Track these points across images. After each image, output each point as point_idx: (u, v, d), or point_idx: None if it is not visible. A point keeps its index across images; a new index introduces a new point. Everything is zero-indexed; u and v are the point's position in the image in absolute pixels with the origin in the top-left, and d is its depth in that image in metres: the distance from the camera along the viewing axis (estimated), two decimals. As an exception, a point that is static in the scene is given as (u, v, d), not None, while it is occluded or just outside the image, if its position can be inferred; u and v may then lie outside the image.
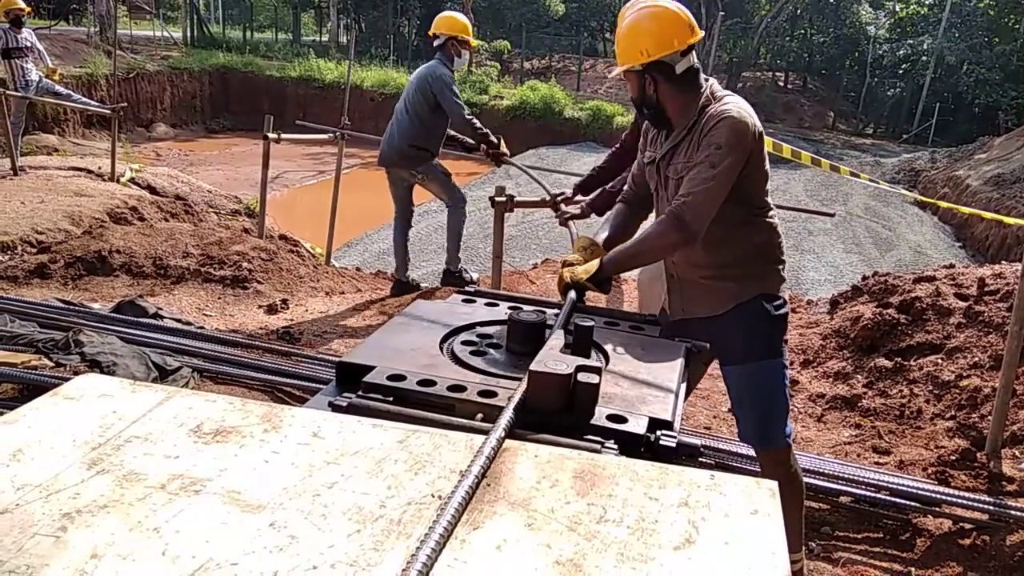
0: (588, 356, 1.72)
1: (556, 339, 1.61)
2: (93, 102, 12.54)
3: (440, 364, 1.62)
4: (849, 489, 2.89)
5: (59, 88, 10.00)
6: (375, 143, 5.64)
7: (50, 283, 4.89)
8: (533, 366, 1.41)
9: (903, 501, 2.83)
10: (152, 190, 8.83)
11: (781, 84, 28.80)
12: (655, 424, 1.44)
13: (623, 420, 1.41)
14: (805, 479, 2.94)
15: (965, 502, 2.80)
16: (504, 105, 21.17)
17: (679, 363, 1.75)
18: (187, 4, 26.69)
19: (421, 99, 5.14)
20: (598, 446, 1.32)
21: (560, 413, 1.40)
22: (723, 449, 3.13)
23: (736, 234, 2.23)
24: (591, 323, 1.73)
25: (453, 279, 5.51)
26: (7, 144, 8.61)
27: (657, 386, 1.61)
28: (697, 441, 1.40)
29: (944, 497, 2.82)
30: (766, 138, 5.61)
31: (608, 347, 1.80)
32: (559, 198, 3.38)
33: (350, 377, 1.58)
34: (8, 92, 8.66)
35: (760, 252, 2.28)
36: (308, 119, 13.64)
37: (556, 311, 1.96)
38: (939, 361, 3.78)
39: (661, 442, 1.38)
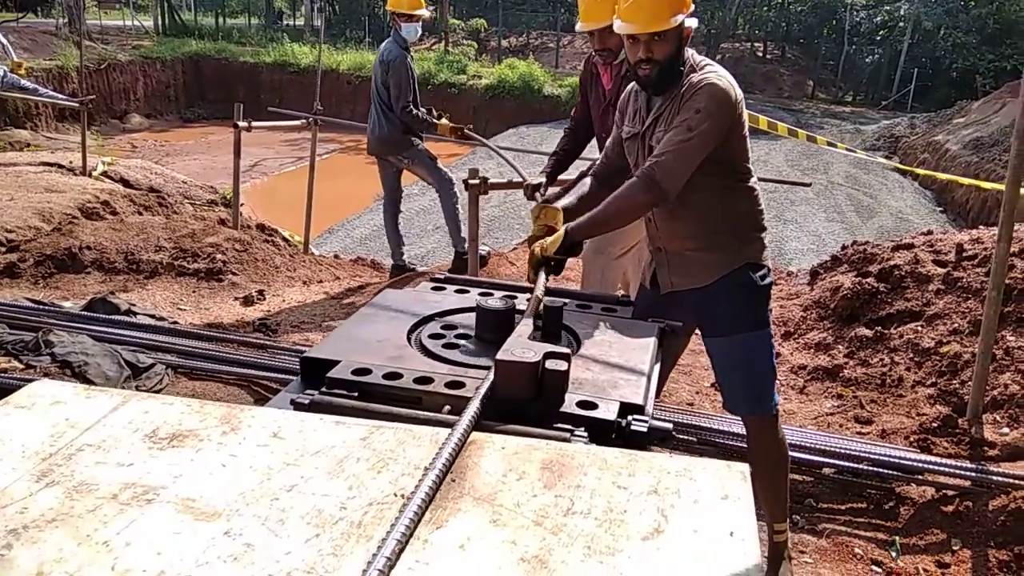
0: (558, 341, 1.71)
1: (525, 326, 1.59)
2: (61, 96, 12.30)
3: (407, 356, 1.60)
4: (832, 461, 2.91)
5: (25, 82, 9.80)
6: (350, 128, 5.61)
7: (20, 282, 4.81)
8: (500, 355, 1.39)
9: (886, 471, 2.85)
10: (126, 183, 8.69)
11: (760, 54, 28.74)
12: (626, 409, 1.42)
13: (593, 406, 1.40)
14: (789, 453, 2.96)
15: (948, 469, 2.82)
16: (482, 84, 21.02)
17: (651, 344, 1.73)
18: (159, -9, 26.25)
19: (387, 81, 5.11)
20: (567, 435, 1.30)
21: (529, 402, 1.38)
22: (705, 427, 3.13)
23: (720, 203, 2.23)
24: (561, 304, 1.71)
25: (463, 262, 5.49)
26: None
27: (629, 369, 1.59)
28: (668, 424, 1.39)
29: (927, 465, 2.84)
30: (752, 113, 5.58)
31: (580, 330, 1.78)
32: (536, 191, 3.32)
33: (316, 372, 1.55)
34: (-28, 89, 8.48)
35: (744, 220, 2.29)
36: (284, 105, 13.49)
37: (528, 295, 1.94)
38: (919, 328, 3.80)
39: (632, 427, 1.37)
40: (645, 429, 1.36)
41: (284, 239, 8.10)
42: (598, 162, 2.52)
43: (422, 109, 5.20)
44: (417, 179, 6.06)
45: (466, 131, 5.27)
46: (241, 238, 5.64)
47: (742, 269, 2.25)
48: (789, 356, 4.11)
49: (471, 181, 3.78)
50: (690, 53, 2.22)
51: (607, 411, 1.38)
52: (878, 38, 27.20)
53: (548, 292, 2.03)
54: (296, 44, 22.99)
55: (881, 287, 4.15)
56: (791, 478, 2.94)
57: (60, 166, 8.98)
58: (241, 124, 6.42)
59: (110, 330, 3.73)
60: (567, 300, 1.97)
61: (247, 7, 31.99)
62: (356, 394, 1.44)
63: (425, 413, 1.34)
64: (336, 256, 7.42)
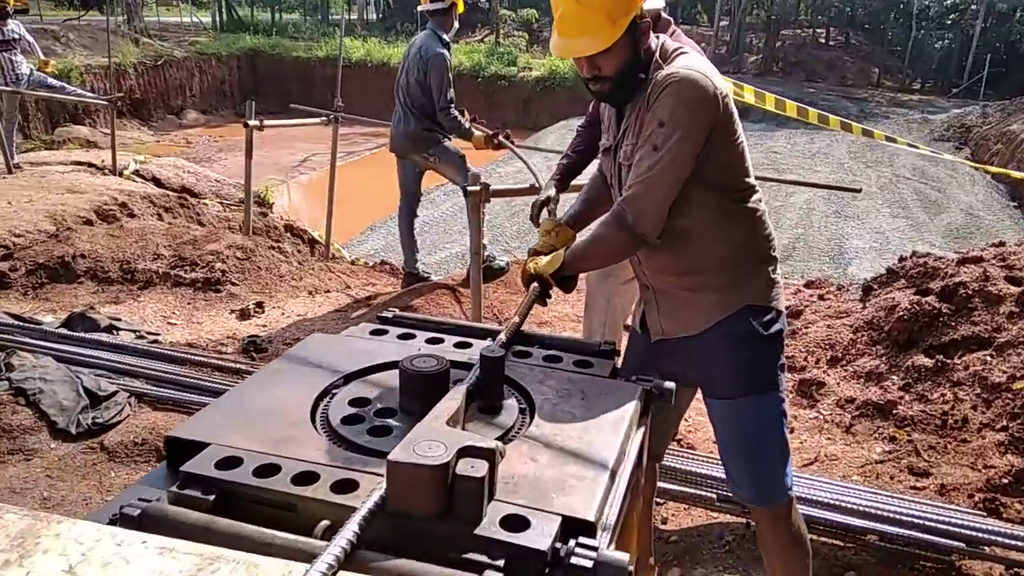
0: (496, 413, 1.35)
1: (452, 398, 1.24)
2: (89, 94, 12.37)
3: (301, 436, 1.26)
4: (880, 527, 2.48)
5: (52, 80, 9.79)
6: (376, 124, 5.36)
7: (9, 293, 4.65)
8: (393, 453, 1.04)
9: (945, 541, 2.42)
10: (157, 182, 8.62)
11: (822, 41, 27.68)
12: (571, 527, 1.07)
13: (523, 525, 1.04)
14: (826, 514, 2.55)
15: (1021, 542, 2.37)
16: (533, 76, 20.75)
17: (627, 416, 1.37)
18: (216, -12, 26.68)
19: (422, 79, 4.82)
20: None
21: (434, 519, 1.03)
22: (695, 472, 2.73)
23: (710, 230, 1.83)
24: (499, 355, 1.35)
25: (492, 272, 5.19)
26: (0, 142, 8.43)
27: (588, 459, 1.23)
28: (624, 558, 1.02)
29: (995, 536, 2.40)
30: (790, 103, 5.11)
31: (537, 394, 1.43)
32: (544, 207, 2.95)
33: (186, 456, 1.23)
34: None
35: (743, 252, 1.87)
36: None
37: (490, 343, 1.59)
38: (988, 359, 3.32)
39: (572, 560, 1.01)
40: (590, 565, 1.00)
41: (312, 240, 7.91)
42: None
43: (466, 122, 4.91)
44: (440, 181, 5.74)
45: (500, 139, 4.92)
46: (244, 245, 5.41)
47: (741, 314, 1.84)
48: (836, 386, 3.67)
49: (471, 188, 3.44)
50: (658, 42, 1.81)
51: (540, 534, 1.03)
52: (948, 22, 25.92)
53: (515, 339, 1.68)
54: (348, 38, 23.00)
55: (944, 308, 3.67)
56: (830, 543, 2.53)
57: (92, 165, 8.94)
58: (252, 123, 6.20)
59: (80, 350, 3.51)
60: (531, 350, 1.62)
61: (302, 2, 32.27)
62: (212, 497, 1.11)
63: (284, 536, 1.00)
64: (352, 262, 7.15)
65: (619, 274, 2.80)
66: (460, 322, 1.80)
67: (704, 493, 2.68)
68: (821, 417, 3.49)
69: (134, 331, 4.10)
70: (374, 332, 1.70)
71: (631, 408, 1.40)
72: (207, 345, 3.99)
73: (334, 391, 1.44)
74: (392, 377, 1.43)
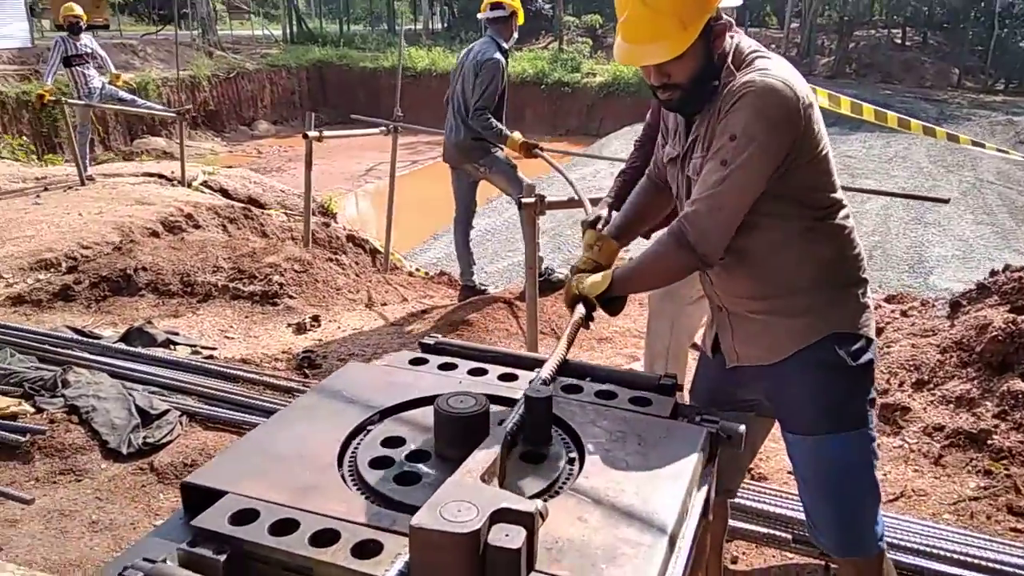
0: (540, 460, 1.21)
1: (489, 447, 1.11)
2: (158, 106, 12.76)
3: (326, 485, 1.15)
4: (974, 576, 2.24)
5: (123, 94, 10.12)
6: (437, 133, 5.31)
7: (73, 306, 4.74)
8: (417, 517, 0.92)
9: (1052, 594, 2.16)
10: (225, 193, 8.81)
11: (898, 41, 26.65)
12: (623, 606, 0.92)
13: (566, 605, 0.91)
14: (916, 560, 2.32)
15: None
16: (597, 82, 20.59)
17: (689, 468, 1.21)
18: (286, 2, 27.34)
19: (473, 84, 4.74)
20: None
21: (464, 593, 0.90)
22: (768, 511, 2.52)
23: (791, 249, 1.66)
24: (546, 396, 1.22)
25: (548, 285, 5.07)
26: (74, 154, 8.72)
27: (644, 520, 1.08)
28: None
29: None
30: (867, 106, 4.82)
31: (589, 438, 1.28)
32: (594, 227, 2.80)
33: (204, 503, 1.14)
34: (70, 100, 8.79)
35: (828, 272, 1.69)
36: (403, 108, 13.62)
37: (536, 377, 1.45)
38: (1097, 385, 3.01)
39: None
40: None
41: (374, 250, 7.92)
42: (651, 165, 2.00)
43: (499, 124, 4.80)
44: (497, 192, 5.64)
45: (538, 150, 4.80)
46: (302, 257, 5.41)
47: (826, 342, 1.65)
48: (922, 412, 3.39)
49: (526, 200, 3.31)
50: (732, 43, 1.64)
51: (585, 617, 0.89)
52: (1036, 18, 24.61)
53: (568, 367, 1.54)
54: (413, 48, 23.28)
55: (1044, 327, 3.35)
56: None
57: (162, 176, 9.19)
58: (312, 134, 6.23)
59: (136, 366, 3.52)
60: (582, 384, 1.48)
61: (371, 11, 32.84)
62: (224, 557, 1.00)
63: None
64: (411, 273, 7.11)
65: (685, 293, 2.62)
66: (506, 351, 1.67)
67: (778, 533, 2.47)
68: (907, 446, 3.22)
69: (191, 346, 4.11)
70: (413, 361, 1.58)
71: (694, 457, 1.25)
72: (261, 361, 3.97)
73: (369, 428, 1.33)
74: (430, 414, 1.31)
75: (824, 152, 1.62)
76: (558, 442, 1.28)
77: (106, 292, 4.88)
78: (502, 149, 5.00)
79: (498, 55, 4.77)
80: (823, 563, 2.52)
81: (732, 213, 1.56)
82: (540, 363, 1.56)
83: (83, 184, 8.50)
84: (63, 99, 8.79)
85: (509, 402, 1.41)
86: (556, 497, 1.13)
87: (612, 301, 1.74)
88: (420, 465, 1.20)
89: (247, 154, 17.56)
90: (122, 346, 3.78)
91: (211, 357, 3.92)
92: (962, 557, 2.28)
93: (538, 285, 3.75)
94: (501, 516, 0.93)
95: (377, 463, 1.20)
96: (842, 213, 1.67)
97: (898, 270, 8.83)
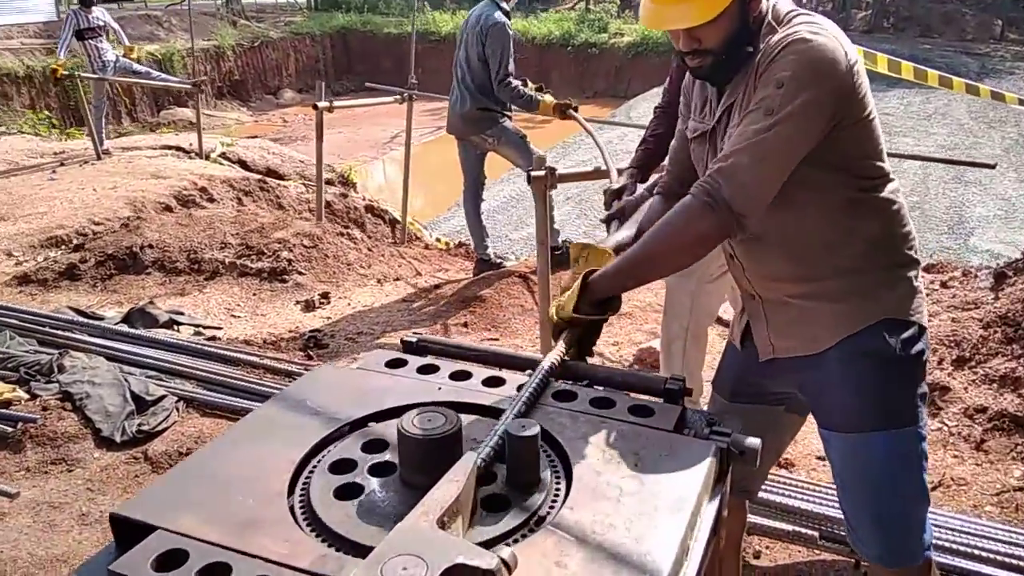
0: (528, 489, 1.06)
1: (453, 480, 0.95)
2: (173, 78, 12.66)
3: (270, 519, 1.01)
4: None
5: (137, 67, 10.03)
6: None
7: (79, 285, 4.67)
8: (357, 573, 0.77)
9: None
10: (244, 164, 8.72)
11: (937, -8, 25.64)
12: None
13: None
14: (958, 562, 2.14)
15: None
16: (625, 42, 20.10)
17: (692, 495, 1.05)
18: (309, -33, 27.07)
19: (481, 52, 4.53)
20: None
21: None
22: (795, 507, 2.34)
23: (834, 226, 1.49)
24: (531, 435, 1.05)
25: (555, 257, 4.88)
26: (90, 128, 8.66)
27: (635, 565, 0.92)
28: None
29: None
30: (905, 64, 4.53)
31: (578, 458, 1.13)
32: (618, 197, 2.62)
33: (136, 537, 1.00)
34: (84, 75, 8.71)
35: (876, 252, 1.52)
36: (428, 74, 13.41)
37: (543, 376, 1.30)
38: None
39: None
40: None
41: (393, 220, 7.78)
42: (663, 174, 1.82)
43: (528, 89, 4.58)
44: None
45: (571, 111, 4.56)
46: (311, 232, 5.28)
47: (874, 329, 1.49)
48: (963, 392, 3.19)
49: (535, 173, 3.13)
50: (769, 5, 1.47)
51: None
52: (1088, -36, 23.46)
53: (562, 369, 1.38)
54: (437, 12, 22.89)
55: (1099, 301, 3.12)
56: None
57: (180, 149, 9.12)
58: (322, 104, 6.07)
59: (134, 349, 3.43)
60: (576, 390, 1.32)
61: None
62: (142, 612, 0.87)
63: None
64: (427, 246, 6.97)
65: (704, 270, 2.44)
66: (495, 349, 1.51)
67: (805, 531, 2.31)
68: (946, 429, 3.03)
69: (195, 326, 4.02)
70: (391, 364, 1.43)
71: (699, 479, 1.08)
72: (267, 340, 3.87)
73: (331, 447, 1.18)
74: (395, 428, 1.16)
75: (871, 116, 1.45)
76: (544, 463, 1.12)
77: (112, 271, 4.80)
78: (511, 119, 4.80)
79: (501, 17, 4.55)
80: (853, 560, 2.36)
81: (776, 168, 1.38)
82: (533, 364, 1.41)
83: (99, 158, 8.45)
84: (76, 73, 8.72)
85: (494, 413, 1.26)
86: (534, 535, 0.98)
87: (602, 305, 1.46)
88: (380, 493, 1.05)
89: (272, 123, 17.52)
90: (122, 328, 3.69)
91: (213, 338, 3.82)
92: (1007, 559, 2.10)
93: (553, 260, 3.59)
94: (455, 574, 0.78)
95: (334, 491, 1.06)
96: (890, 187, 1.50)
97: (937, 231, 8.51)
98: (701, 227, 1.42)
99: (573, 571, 0.91)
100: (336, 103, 6.37)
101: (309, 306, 4.51)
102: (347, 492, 1.06)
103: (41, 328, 3.63)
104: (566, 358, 1.41)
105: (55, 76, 8.90)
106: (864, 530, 1.58)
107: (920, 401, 1.53)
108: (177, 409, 3.00)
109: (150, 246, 4.97)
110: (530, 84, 4.68)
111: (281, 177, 8.73)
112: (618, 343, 4.13)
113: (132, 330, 3.64)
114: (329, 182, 8.77)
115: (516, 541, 0.97)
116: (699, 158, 1.62)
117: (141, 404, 2.96)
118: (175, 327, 3.92)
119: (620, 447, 1.15)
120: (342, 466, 1.11)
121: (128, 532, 1.02)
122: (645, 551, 0.94)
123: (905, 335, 1.49)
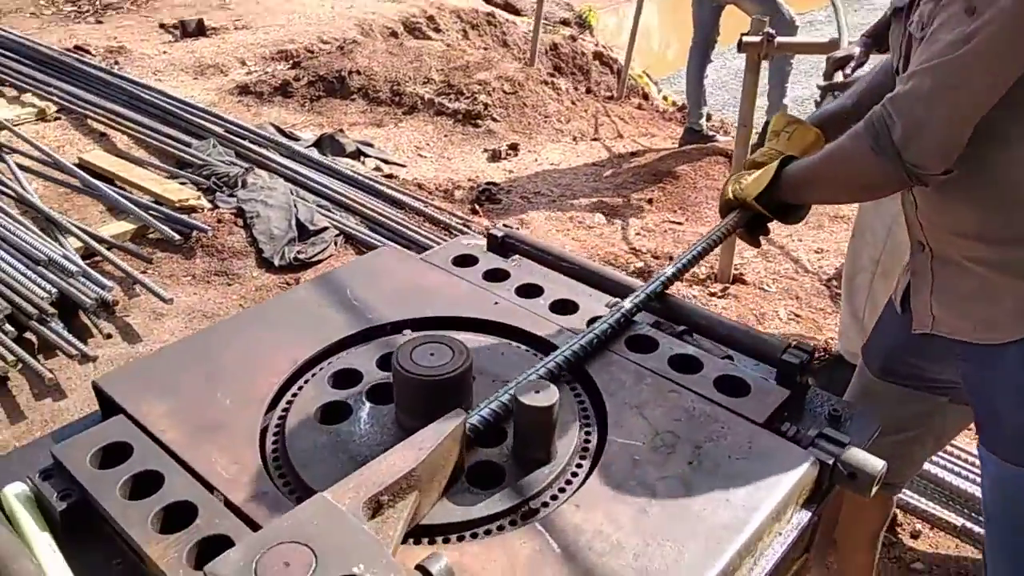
0: (537, 464, 0.84)
1: (401, 453, 0.76)
2: None
3: (234, 429, 0.89)
4: None
5: None
6: None
7: (289, 103, 4.86)
8: (212, 567, 0.62)
9: None
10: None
11: None
12: None
13: None
14: None
15: None
16: None
17: (747, 533, 0.78)
18: None
19: None
20: None
21: None
22: (952, 485, 1.89)
23: None
24: (545, 405, 0.82)
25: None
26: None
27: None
28: None
29: None
30: None
31: (617, 432, 0.88)
32: (841, 67, 2.15)
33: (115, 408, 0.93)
34: None
35: None
36: None
37: (607, 317, 1.06)
38: None
39: None
40: None
41: (619, 72, 7.35)
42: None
43: None
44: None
45: None
46: (514, 77, 5.05)
47: None
48: None
49: (747, 39, 2.63)
50: None
51: None
52: None
53: (660, 303, 1.12)
54: None
55: None
56: None
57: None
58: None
59: (313, 175, 3.50)
60: (660, 338, 1.05)
61: None
62: (64, 507, 0.79)
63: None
64: (639, 105, 6.48)
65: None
66: (589, 264, 1.24)
67: (955, 520, 1.90)
68: None
69: (380, 159, 4.04)
70: (459, 260, 1.23)
71: (771, 502, 0.81)
72: (442, 186, 3.81)
73: (347, 351, 1.02)
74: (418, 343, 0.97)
75: None
76: (570, 431, 0.89)
77: (320, 92, 4.93)
78: None
79: None
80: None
81: (970, 101, 0.97)
82: (626, 290, 1.14)
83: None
84: None
85: (546, 346, 1.03)
86: (513, 531, 0.77)
87: (786, 209, 1.25)
88: (366, 425, 0.89)
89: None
90: (311, 152, 3.78)
91: (391, 176, 3.82)
92: None
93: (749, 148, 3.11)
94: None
95: (318, 410, 0.91)
96: None
97: None
98: (864, 174, 1.07)
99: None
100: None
101: (495, 156, 4.38)
102: (333, 415, 0.91)
103: (241, 140, 3.82)
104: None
105: None
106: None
107: None
108: (335, 243, 3.05)
109: (358, 72, 5.02)
110: None
111: (517, 12, 8.46)
112: (822, 251, 3.61)
113: (316, 156, 3.72)
114: (564, 22, 8.37)
115: (487, 533, 0.77)
116: (893, 46, 1.18)
117: (303, 232, 3.04)
118: (361, 158, 3.97)
119: (681, 431, 0.89)
120: (343, 379, 0.96)
121: (108, 404, 0.95)
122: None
123: None
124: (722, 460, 0.85)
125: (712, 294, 3.11)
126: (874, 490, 0.90)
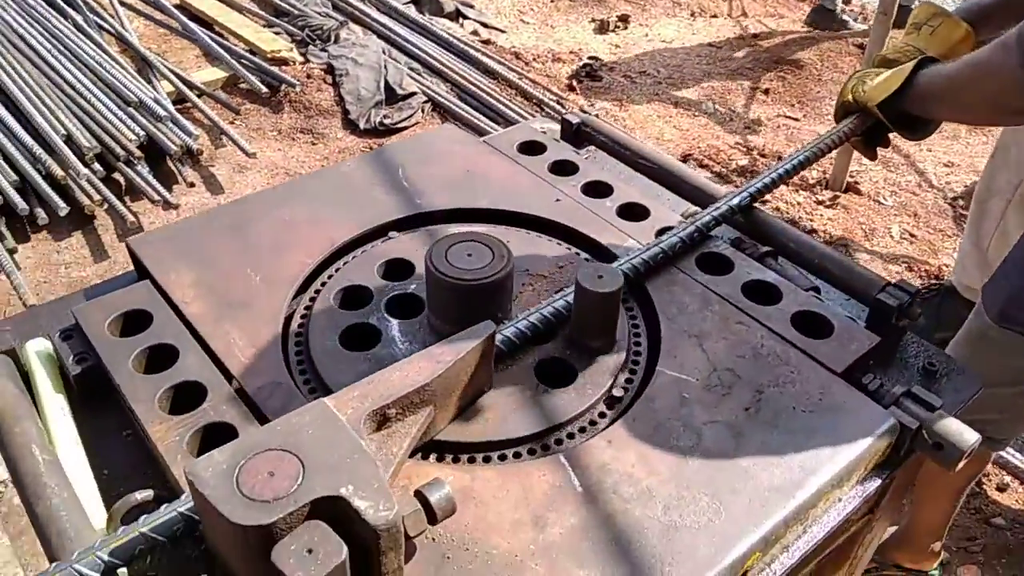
0: (568, 374, 0.77)
1: (436, 357, 0.69)
2: None
3: (255, 314, 0.84)
4: None
5: None
6: None
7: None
8: (193, 467, 0.58)
9: None
10: None
11: None
12: None
13: None
14: None
15: None
16: None
17: (806, 490, 0.69)
18: None
19: None
20: None
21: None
22: None
23: None
24: (610, 290, 0.74)
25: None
26: None
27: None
28: None
29: None
30: None
31: (669, 369, 0.79)
32: None
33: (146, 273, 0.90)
34: None
35: None
36: None
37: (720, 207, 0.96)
38: None
39: None
40: None
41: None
42: None
43: None
44: None
45: None
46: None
47: None
48: None
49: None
50: None
51: None
52: None
53: (747, 219, 1.00)
54: None
55: None
56: None
57: None
58: None
59: (408, 35, 3.36)
60: (739, 262, 0.93)
61: None
62: (79, 370, 0.77)
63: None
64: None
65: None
66: (666, 160, 1.11)
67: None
68: None
69: (479, 22, 3.84)
70: (524, 148, 1.11)
71: (834, 468, 0.71)
72: (540, 56, 3.59)
73: (387, 238, 0.95)
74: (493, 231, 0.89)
75: None
76: (619, 352, 0.80)
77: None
78: None
79: None
80: None
81: None
82: (708, 198, 1.02)
83: None
84: None
85: (604, 254, 0.93)
86: (532, 460, 0.70)
87: (909, 121, 1.09)
88: (395, 331, 0.82)
89: None
90: (407, 10, 3.62)
91: (488, 42, 3.62)
92: None
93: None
94: (327, 508, 0.55)
95: (345, 301, 0.85)
96: None
97: None
98: (1009, 94, 0.90)
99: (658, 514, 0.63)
100: None
101: (603, 27, 4.09)
102: (359, 305, 0.84)
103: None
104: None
105: None
106: None
107: None
108: (423, 110, 2.94)
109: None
110: None
111: None
112: (952, 164, 3.27)
113: (412, 14, 3.55)
114: None
115: (502, 459, 0.70)
116: None
117: (391, 95, 2.94)
118: (459, 20, 3.78)
119: (743, 370, 0.79)
120: (386, 269, 0.89)
121: (141, 266, 0.92)
122: (666, 570, 0.62)
123: None
124: (784, 410, 0.75)
125: (819, 202, 2.88)
126: (961, 464, 0.78)
